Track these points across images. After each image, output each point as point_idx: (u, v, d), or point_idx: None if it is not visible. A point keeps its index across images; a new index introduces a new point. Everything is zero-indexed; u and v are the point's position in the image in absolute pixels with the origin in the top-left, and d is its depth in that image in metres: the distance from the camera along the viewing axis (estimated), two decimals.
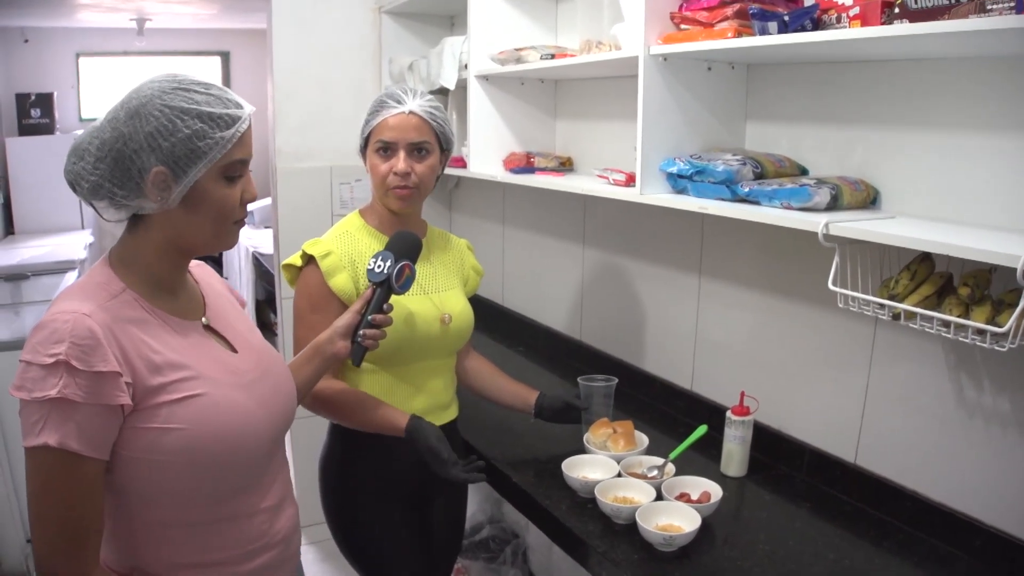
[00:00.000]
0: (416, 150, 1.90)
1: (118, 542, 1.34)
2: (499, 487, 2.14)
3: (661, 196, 1.96)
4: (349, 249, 1.92)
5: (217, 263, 6.73)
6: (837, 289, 1.56)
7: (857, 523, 1.83)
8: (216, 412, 1.32)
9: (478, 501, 3.17)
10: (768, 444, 2.11)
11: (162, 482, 1.30)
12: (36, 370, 1.19)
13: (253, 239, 5.91)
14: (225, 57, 7.09)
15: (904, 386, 1.80)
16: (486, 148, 2.87)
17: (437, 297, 2.01)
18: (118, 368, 1.22)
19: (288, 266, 1.93)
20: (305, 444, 3.08)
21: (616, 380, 2.12)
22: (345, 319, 1.71)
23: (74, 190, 1.32)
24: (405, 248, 1.76)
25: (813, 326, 2.00)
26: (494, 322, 3.48)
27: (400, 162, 1.88)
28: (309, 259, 1.88)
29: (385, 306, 1.70)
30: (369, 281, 1.73)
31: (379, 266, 1.71)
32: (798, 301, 2.04)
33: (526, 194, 3.18)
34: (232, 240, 1.41)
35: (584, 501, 1.90)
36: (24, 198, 6.14)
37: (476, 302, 3.69)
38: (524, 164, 2.75)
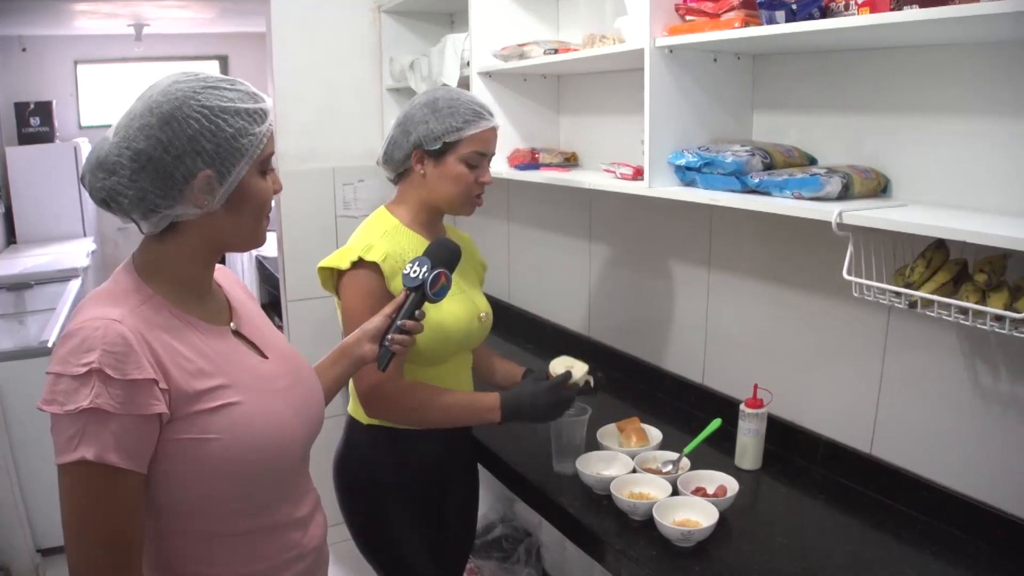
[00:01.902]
0: (488, 161, 1.94)
1: (157, 556, 1.29)
2: (513, 485, 2.12)
3: (670, 189, 1.94)
4: (398, 249, 1.89)
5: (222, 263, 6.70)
6: (852, 278, 1.54)
7: (874, 514, 1.82)
8: (252, 421, 1.29)
9: (490, 500, 3.16)
10: (782, 436, 2.09)
11: (198, 494, 1.26)
12: (67, 381, 1.13)
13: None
14: (223, 61, 7.09)
15: (919, 375, 1.79)
16: None
17: (471, 294, 2.03)
18: (153, 375, 1.17)
19: (329, 268, 1.87)
20: (324, 443, 3.06)
21: (590, 412, 2.05)
22: (375, 322, 1.66)
23: (109, 207, 1.26)
24: (444, 256, 1.70)
25: (825, 316, 1.99)
26: (501, 319, 3.43)
27: (488, 174, 1.92)
28: (361, 262, 1.83)
29: (417, 312, 1.64)
30: (404, 286, 1.68)
31: (415, 271, 1.65)
32: (809, 291, 2.02)
33: (530, 191, 3.17)
34: (264, 236, 1.38)
35: (599, 498, 1.88)
36: (25, 207, 6.14)
37: None
38: (529, 160, 2.74)
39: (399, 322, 1.62)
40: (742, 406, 2.02)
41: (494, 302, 3.62)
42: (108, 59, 6.58)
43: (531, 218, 3.25)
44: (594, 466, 1.97)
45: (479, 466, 2.27)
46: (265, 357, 1.42)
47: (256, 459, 1.30)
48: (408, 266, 1.67)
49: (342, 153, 3.54)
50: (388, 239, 1.87)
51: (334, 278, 1.88)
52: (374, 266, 1.81)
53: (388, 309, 1.67)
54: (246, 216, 1.31)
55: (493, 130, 1.90)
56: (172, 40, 6.63)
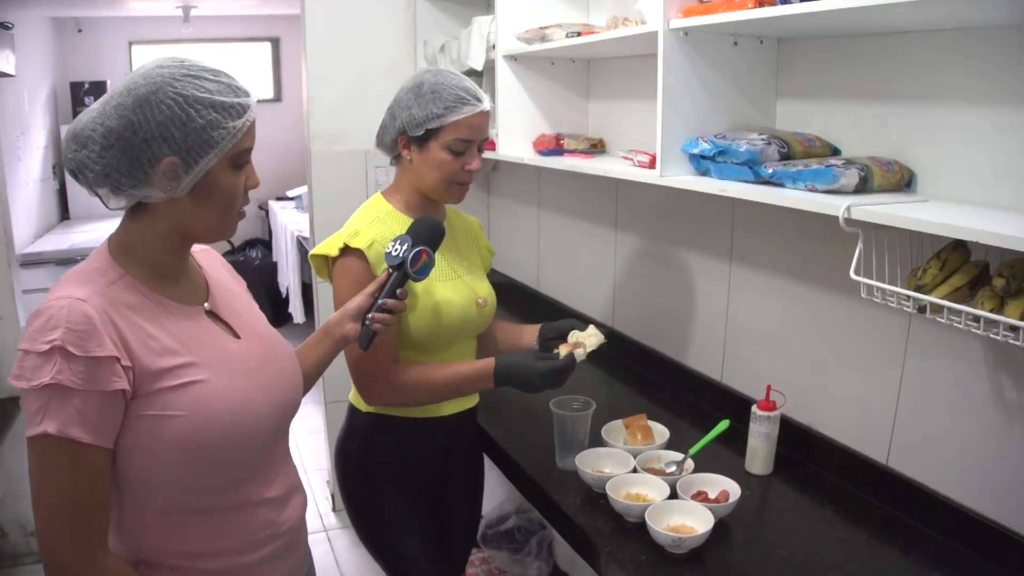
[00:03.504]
0: (480, 146, 1.87)
1: (122, 531, 1.32)
2: (514, 478, 2.07)
3: (682, 178, 1.86)
4: (388, 235, 1.84)
5: (267, 247, 6.76)
6: (860, 279, 1.45)
7: (885, 529, 1.72)
8: (216, 399, 1.30)
9: (505, 490, 3.11)
10: (797, 440, 2.00)
11: (162, 470, 1.27)
12: (33, 358, 1.17)
13: (299, 223, 5.91)
14: (275, 43, 7.10)
15: (940, 384, 1.68)
16: (515, 130, 2.79)
17: (470, 279, 1.96)
18: (115, 352, 1.20)
19: (321, 256, 1.84)
20: (334, 429, 3.05)
21: (594, 405, 1.98)
22: (356, 301, 1.66)
23: (76, 178, 1.29)
24: (425, 233, 1.69)
25: (844, 317, 1.88)
26: (529, 307, 3.41)
27: (476, 160, 1.85)
28: (348, 249, 1.80)
29: (399, 291, 1.63)
30: (386, 264, 1.67)
31: (396, 249, 1.65)
32: (828, 290, 1.92)
33: (560, 178, 3.10)
34: (234, 228, 1.39)
35: (597, 496, 1.82)
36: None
37: (511, 287, 3.67)
38: (553, 146, 2.66)
39: (380, 301, 1.61)
40: (754, 408, 1.93)
41: (522, 290, 3.61)
42: (161, 40, 6.62)
43: (560, 205, 3.17)
44: (595, 463, 1.90)
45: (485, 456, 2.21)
46: (238, 337, 1.42)
47: (220, 437, 1.30)
48: (390, 244, 1.65)
49: (375, 135, 3.50)
50: (378, 225, 1.83)
51: (328, 265, 1.84)
52: (359, 253, 1.77)
53: (370, 288, 1.66)
54: (211, 208, 1.32)
55: (482, 115, 1.82)
56: (223, 22, 6.65)
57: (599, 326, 1.96)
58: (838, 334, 1.91)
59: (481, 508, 2.27)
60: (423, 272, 1.65)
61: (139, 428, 1.24)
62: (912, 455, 1.76)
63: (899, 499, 1.76)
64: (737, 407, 2.19)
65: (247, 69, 6.90)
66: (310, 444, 4.39)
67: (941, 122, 1.62)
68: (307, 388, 1.61)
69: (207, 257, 1.53)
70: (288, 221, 5.90)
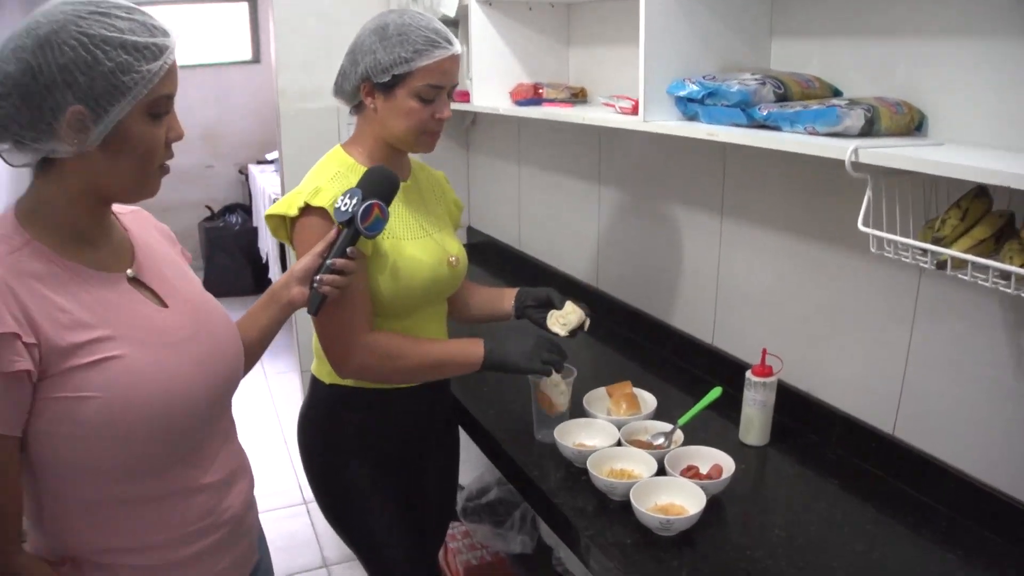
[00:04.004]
0: (449, 93, 1.70)
1: (45, 526, 1.19)
2: (489, 452, 1.92)
3: (667, 123, 1.69)
4: None
5: (247, 212, 6.57)
6: (869, 231, 1.28)
7: (892, 505, 1.58)
8: (138, 376, 1.15)
9: (485, 462, 2.97)
10: (795, 408, 1.85)
11: (81, 457, 1.14)
12: None
13: (279, 187, 5.71)
14: (252, 2, 6.82)
15: (952, 348, 1.53)
16: (491, 80, 2.62)
17: (439, 237, 1.80)
18: (15, 329, 1.06)
19: (278, 216, 1.66)
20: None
21: (575, 372, 1.84)
22: (304, 262, 1.52)
23: None
24: (377, 185, 1.53)
25: (848, 274, 1.73)
26: (511, 267, 3.26)
27: (447, 108, 1.68)
28: (309, 208, 1.62)
29: (349, 250, 1.48)
30: (335, 221, 1.51)
31: (345, 204, 1.49)
32: (830, 245, 1.76)
33: (540, 130, 2.92)
34: (156, 186, 1.22)
35: (579, 472, 1.67)
36: None
37: (492, 246, 3.51)
38: (532, 95, 2.48)
39: (329, 261, 1.47)
40: (748, 374, 1.78)
41: (503, 249, 3.45)
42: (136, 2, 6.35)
43: (541, 159, 3.00)
44: (576, 435, 1.75)
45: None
46: (165, 306, 1.26)
47: (144, 418, 1.16)
48: (339, 199, 1.50)
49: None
50: (340, 180, 1.65)
51: (286, 226, 1.67)
52: (321, 212, 1.59)
53: (318, 247, 1.52)
54: (127, 163, 1.15)
55: (452, 59, 1.64)
56: None
57: (578, 300, 1.82)
58: (840, 294, 1.76)
59: (457, 482, 2.13)
60: (376, 228, 1.49)
61: (51, 412, 1.11)
62: (921, 424, 1.61)
63: (906, 472, 1.62)
64: (729, 372, 2.04)
65: (224, 30, 6.63)
66: (290, 413, 4.25)
67: (954, 59, 1.44)
68: (252, 360, 1.46)
69: (135, 219, 1.36)
70: (267, 185, 5.71)
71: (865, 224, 1.28)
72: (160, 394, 1.17)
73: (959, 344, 1.52)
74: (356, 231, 1.48)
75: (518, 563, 2.65)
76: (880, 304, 1.66)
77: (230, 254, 6.30)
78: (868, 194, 1.27)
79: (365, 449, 1.81)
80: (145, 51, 1.10)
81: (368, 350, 1.63)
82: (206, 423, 1.28)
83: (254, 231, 6.24)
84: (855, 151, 1.23)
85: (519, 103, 2.48)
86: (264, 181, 5.86)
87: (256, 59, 6.85)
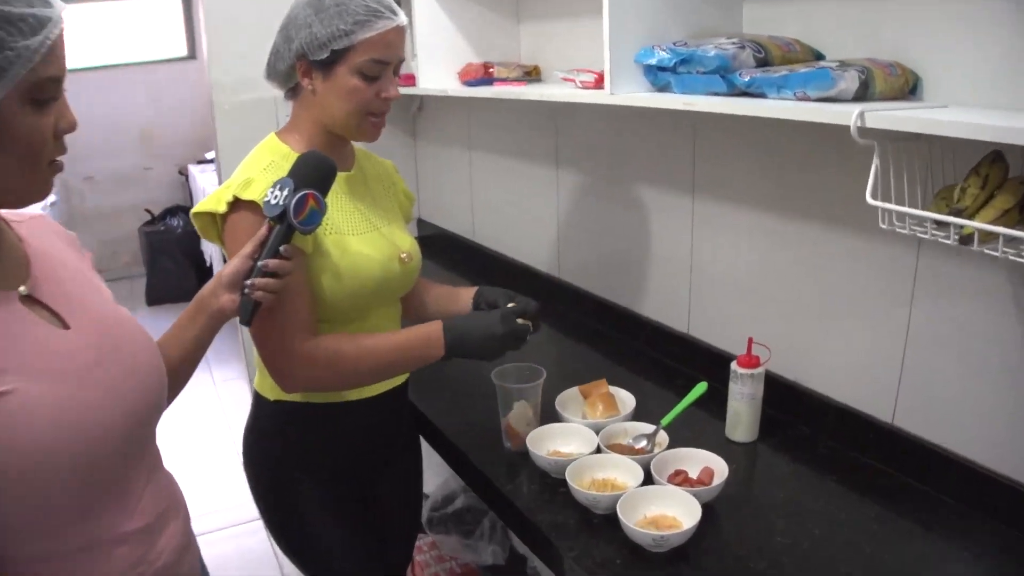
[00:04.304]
0: (395, 70, 1.51)
1: None
2: (455, 465, 1.76)
3: (637, 95, 1.54)
4: None
5: (189, 214, 6.30)
6: (878, 203, 1.14)
7: (896, 500, 1.45)
8: (33, 413, 0.95)
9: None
10: (783, 398, 1.72)
11: None
12: None
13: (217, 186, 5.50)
14: None
15: (956, 328, 1.41)
16: (438, 61, 2.45)
17: (388, 231, 1.62)
18: None
19: (206, 214, 1.48)
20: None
21: (544, 374, 1.67)
22: (232, 265, 1.34)
23: None
24: (311, 173, 1.35)
25: (837, 253, 1.60)
26: (465, 260, 3.09)
27: (393, 86, 1.50)
28: (239, 203, 1.43)
29: (283, 249, 1.31)
30: (265, 216, 1.33)
31: (275, 196, 1.31)
32: (817, 222, 1.63)
33: (492, 113, 2.76)
34: (46, 187, 1.01)
35: (555, 483, 1.52)
36: None
37: (445, 239, 3.34)
38: (482, 76, 2.32)
39: (260, 263, 1.29)
40: (734, 365, 1.64)
41: (455, 240, 3.28)
42: None
43: (494, 144, 2.83)
44: (550, 442, 1.60)
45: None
46: (67, 327, 1.06)
47: (47, 462, 0.96)
48: (269, 191, 1.32)
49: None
50: (274, 171, 1.46)
51: (217, 225, 1.49)
52: (254, 206, 1.41)
53: (247, 248, 1.33)
54: (6, 159, 0.94)
55: (397, 30, 1.46)
56: None
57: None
58: (829, 274, 1.63)
59: (421, 494, 1.96)
60: (312, 221, 1.32)
61: None
62: (922, 412, 1.49)
63: (909, 463, 1.50)
64: (708, 363, 1.91)
65: (157, 26, 6.30)
66: (242, 422, 4.04)
67: (947, 16, 1.31)
68: (181, 380, 1.29)
69: (33, 226, 1.14)
70: (208, 185, 5.46)
71: (874, 196, 1.14)
72: (65, 431, 0.97)
73: (963, 324, 1.39)
74: (289, 226, 1.31)
75: (490, 573, 2.49)
76: (875, 284, 1.53)
77: (173, 259, 6.03)
78: (875, 163, 1.13)
79: (317, 467, 1.63)
80: (21, 23, 0.90)
81: (311, 359, 1.45)
82: (125, 460, 1.08)
83: (197, 234, 5.96)
84: (861, 115, 1.09)
85: (468, 83, 2.32)
86: (205, 181, 5.62)
87: (192, 55, 6.56)
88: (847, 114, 1.10)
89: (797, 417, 1.71)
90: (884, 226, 1.17)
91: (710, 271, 1.93)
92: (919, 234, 1.13)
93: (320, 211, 1.33)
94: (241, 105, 3.10)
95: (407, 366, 1.55)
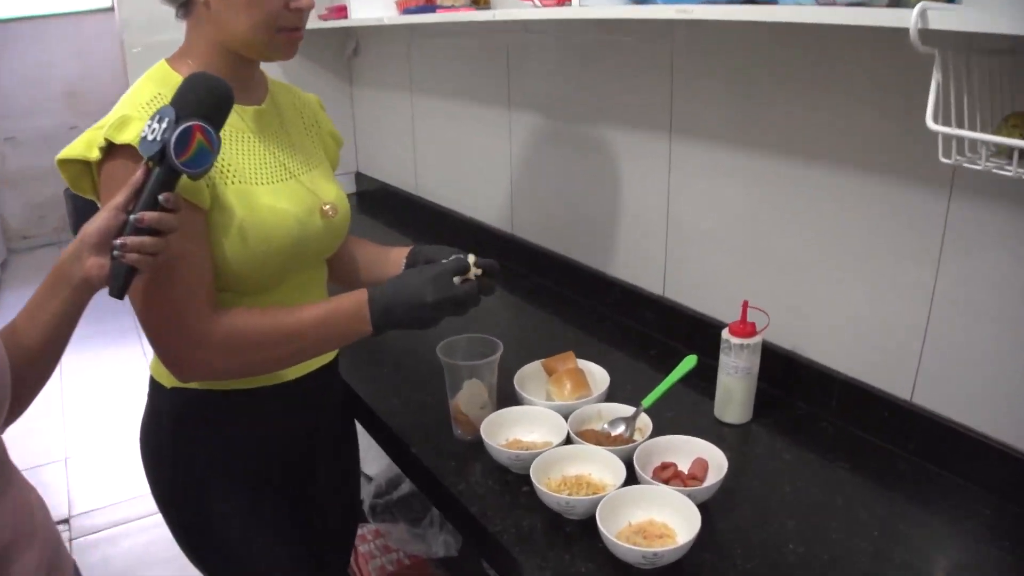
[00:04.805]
0: None
1: None
2: (395, 456, 1.49)
3: (613, 7, 1.26)
4: None
5: None
6: (939, 128, 0.88)
7: (923, 492, 1.23)
8: None
9: None
10: (777, 371, 1.48)
11: None
12: None
13: None
14: None
15: (990, 292, 1.17)
16: None
17: (309, 179, 1.32)
18: None
19: (78, 162, 1.15)
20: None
21: (500, 348, 1.39)
22: (97, 221, 1.02)
23: None
24: (198, 99, 1.04)
25: (846, 200, 1.35)
26: (407, 217, 2.80)
27: None
28: (114, 149, 1.11)
29: (163, 198, 1.00)
30: (142, 156, 1.03)
31: (153, 130, 1.01)
32: (821, 163, 1.37)
33: (436, 50, 2.45)
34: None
35: (517, 480, 1.26)
36: None
37: (385, 194, 3.04)
38: (423, 2, 2.02)
39: (134, 217, 0.99)
40: (726, 334, 1.39)
41: (396, 195, 2.98)
42: None
43: (438, 86, 2.53)
44: (509, 430, 1.34)
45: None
46: None
47: None
48: (146, 126, 1.02)
49: None
50: (159, 105, 1.15)
51: (92, 174, 1.17)
52: (132, 152, 1.09)
53: (120, 198, 1.02)
54: None
55: None
56: None
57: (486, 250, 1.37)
58: (835, 226, 1.38)
59: (359, 485, 1.69)
60: (199, 163, 1.02)
61: None
62: (948, 387, 1.26)
63: (933, 447, 1.27)
64: (688, 330, 1.67)
65: None
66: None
67: None
68: (43, 370, 1.00)
69: None
70: None
71: (935, 120, 0.87)
72: None
73: (1000, 287, 1.16)
74: (172, 169, 1.00)
75: (442, 566, 2.23)
76: (894, 237, 1.29)
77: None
78: (936, 79, 0.86)
79: (228, 467, 1.35)
80: None
81: (209, 342, 1.16)
82: None
83: None
84: (923, 13, 0.82)
85: (408, 11, 2.02)
86: None
87: (113, 6, 6.10)
88: (905, 16, 0.83)
89: (793, 392, 1.48)
90: (947, 160, 0.91)
91: (690, 224, 1.67)
92: (994, 169, 0.88)
93: (212, 150, 1.03)
94: (154, 47, 2.74)
95: (330, 345, 1.26)
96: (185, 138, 1.00)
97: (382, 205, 3.01)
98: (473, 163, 2.41)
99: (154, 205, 1.00)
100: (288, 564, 1.42)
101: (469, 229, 2.45)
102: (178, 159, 1.00)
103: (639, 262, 1.82)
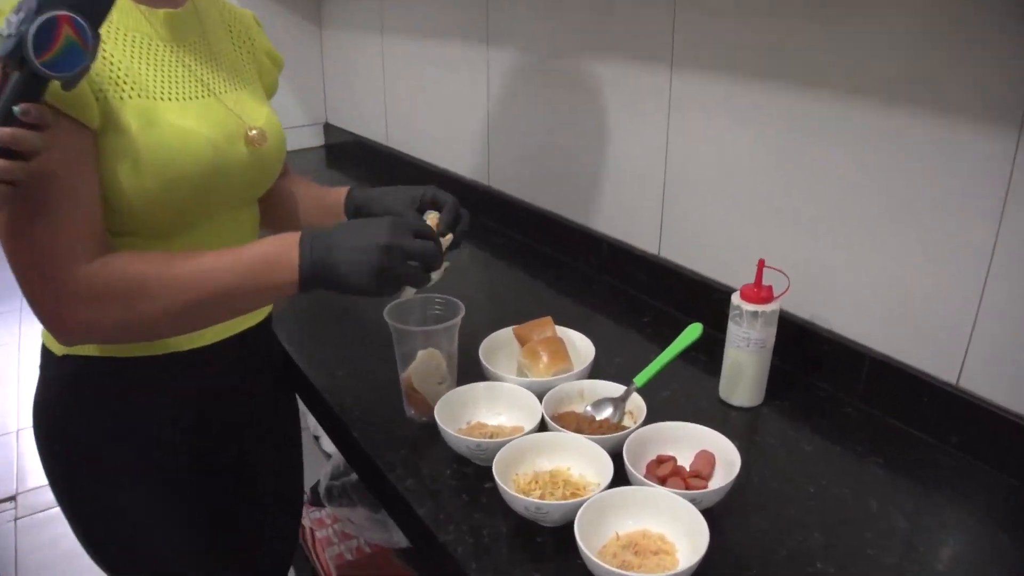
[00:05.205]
0: None
1: None
2: (335, 439, 1.25)
3: None
4: None
5: None
6: None
7: (972, 493, 1.00)
8: None
9: None
10: (795, 345, 1.25)
11: None
12: None
13: None
14: None
15: None
16: None
17: (233, 100, 1.07)
18: None
19: None
20: None
21: (462, 310, 1.14)
22: None
23: None
24: None
25: (882, 144, 1.10)
26: (376, 169, 2.56)
27: None
28: None
29: (20, 109, 0.76)
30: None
31: (8, 24, 0.76)
32: (853, 96, 1.13)
33: None
34: None
35: (480, 475, 1.02)
36: None
37: (356, 146, 2.79)
38: None
39: None
40: (736, 299, 1.15)
41: (365, 145, 2.72)
42: None
43: (410, 24, 2.27)
44: (470, 412, 1.10)
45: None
46: None
47: None
48: (4, 20, 0.77)
49: None
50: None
51: None
52: None
53: None
54: None
55: None
56: None
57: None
58: (868, 174, 1.13)
59: (301, 476, 1.45)
60: (67, 64, 0.77)
61: None
62: (1003, 371, 1.03)
63: (982, 440, 1.04)
64: (686, 294, 1.43)
65: None
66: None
67: None
68: None
69: None
70: None
71: None
72: None
73: None
74: (33, 73, 0.76)
75: (406, 555, 2.00)
76: (944, 188, 1.05)
77: None
78: None
79: (133, 447, 1.10)
80: None
81: (92, 293, 0.91)
82: None
83: None
84: None
85: None
86: None
87: None
88: None
89: (812, 371, 1.24)
90: None
91: (692, 172, 1.43)
92: None
93: (85, 49, 0.78)
94: None
95: (244, 299, 0.99)
96: (48, 31, 0.75)
97: (352, 158, 2.76)
98: (446, 109, 2.15)
99: (9, 118, 0.76)
100: (210, 565, 1.19)
101: (438, 181, 2.20)
102: (38, 58, 0.75)
103: (631, 216, 1.58)
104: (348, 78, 2.75)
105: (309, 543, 2.14)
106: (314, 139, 2.98)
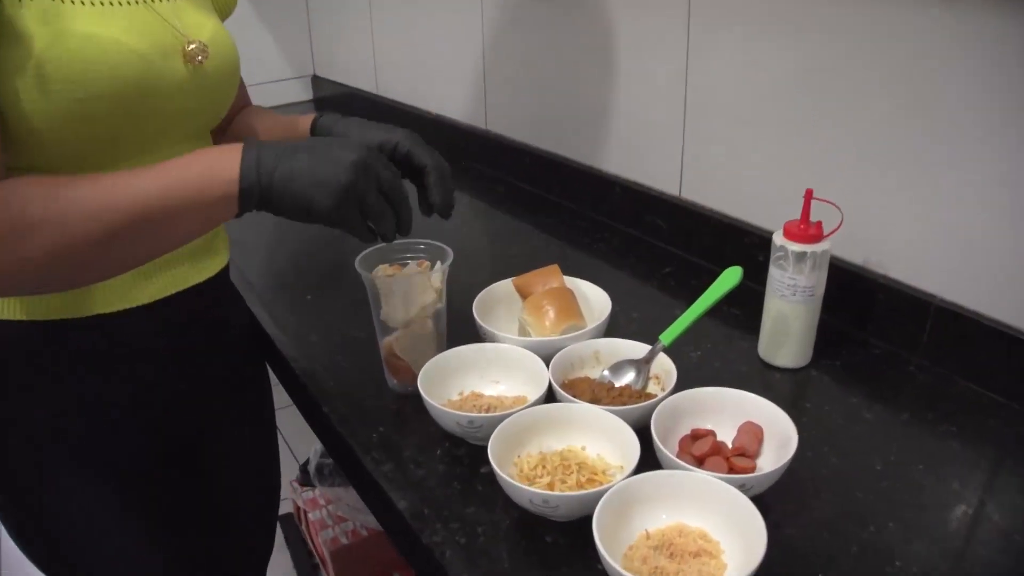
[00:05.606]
0: None
1: None
2: (306, 414, 1.07)
3: None
4: None
5: None
6: None
7: None
8: None
9: None
10: (845, 295, 1.06)
11: None
12: None
13: None
14: None
15: None
16: None
17: (169, 9, 0.88)
18: None
19: None
20: None
21: (451, 256, 0.95)
22: None
23: None
24: None
25: (950, 52, 0.91)
26: (366, 117, 2.35)
27: None
28: None
29: None
30: None
31: None
32: (914, 3, 0.93)
33: None
34: None
35: (475, 457, 0.84)
36: None
37: (347, 97, 2.59)
38: None
39: None
40: (780, 238, 0.96)
41: (358, 97, 2.53)
42: None
43: None
44: (462, 380, 0.92)
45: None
46: None
47: None
48: None
49: None
50: None
51: None
52: None
53: None
54: None
55: None
56: None
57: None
58: (926, 94, 0.94)
59: (276, 461, 1.27)
60: None
61: None
62: None
63: None
64: (713, 239, 1.25)
65: None
66: None
67: None
68: None
69: None
70: None
71: None
72: None
73: None
74: None
75: None
76: (1002, 114, 0.85)
77: None
78: None
79: (70, 428, 0.93)
80: None
81: None
82: None
83: None
84: None
85: None
86: None
87: None
88: None
89: (868, 325, 1.05)
90: None
91: (717, 99, 1.23)
92: None
93: None
94: None
95: (179, 226, 0.78)
96: None
97: (342, 110, 2.55)
98: (438, 49, 1.95)
99: None
100: (160, 569, 1.02)
101: (437, 129, 2.01)
102: None
103: (647, 155, 1.39)
104: (336, 26, 2.56)
105: (303, 525, 1.98)
106: (302, 92, 2.79)
